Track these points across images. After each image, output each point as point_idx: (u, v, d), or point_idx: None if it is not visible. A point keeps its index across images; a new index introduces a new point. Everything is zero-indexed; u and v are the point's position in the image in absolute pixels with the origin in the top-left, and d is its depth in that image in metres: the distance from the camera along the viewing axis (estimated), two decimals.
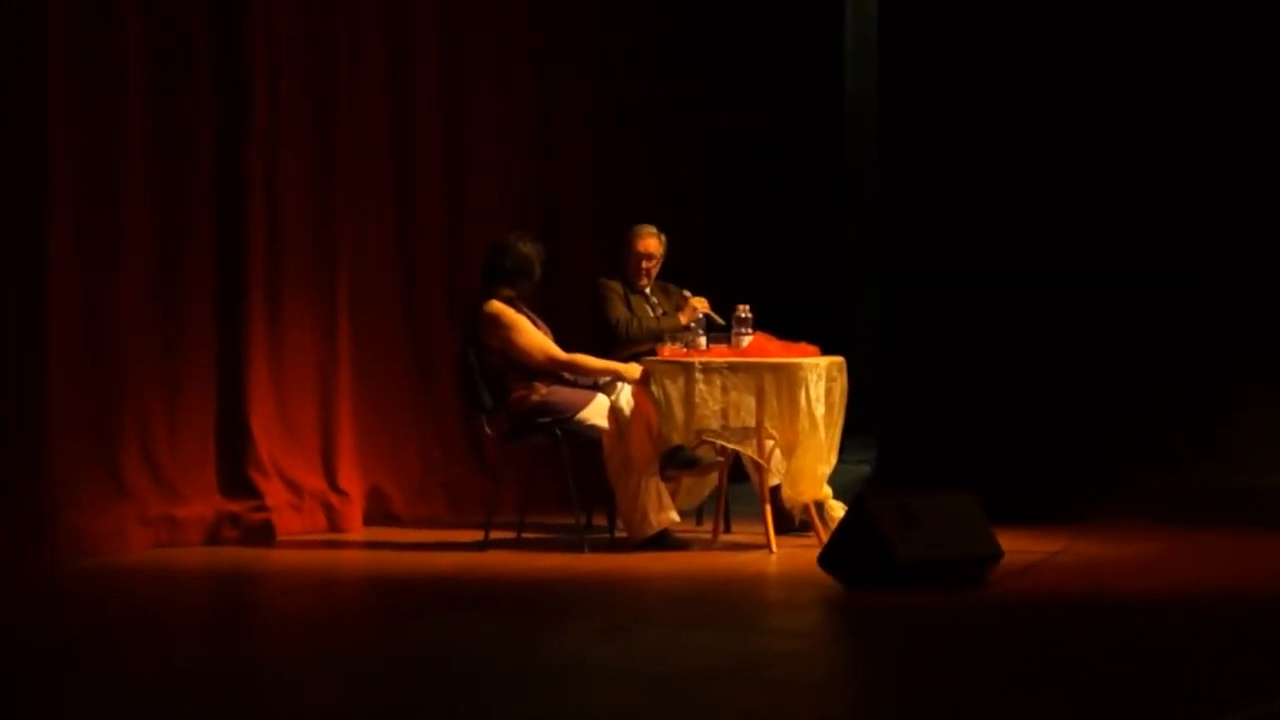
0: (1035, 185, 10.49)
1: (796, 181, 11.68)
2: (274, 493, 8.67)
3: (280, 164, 8.83)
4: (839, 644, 6.59)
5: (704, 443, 8.16)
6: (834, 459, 8.18)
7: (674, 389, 8.03)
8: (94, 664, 5.85)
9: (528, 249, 8.36)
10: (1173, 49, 10.35)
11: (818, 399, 8.04)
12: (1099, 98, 10.41)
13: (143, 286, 8.27)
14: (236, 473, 8.62)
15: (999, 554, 7.21)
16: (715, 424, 8.04)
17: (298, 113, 8.91)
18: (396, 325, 9.47)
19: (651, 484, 8.14)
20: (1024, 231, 10.46)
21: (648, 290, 8.86)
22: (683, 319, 8.66)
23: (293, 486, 8.78)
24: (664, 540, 8.17)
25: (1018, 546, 7.66)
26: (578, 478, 8.20)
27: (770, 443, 8.14)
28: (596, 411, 8.20)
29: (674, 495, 8.28)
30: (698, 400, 8.01)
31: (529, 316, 8.34)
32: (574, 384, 8.31)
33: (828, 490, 8.19)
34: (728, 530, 8.62)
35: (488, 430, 8.37)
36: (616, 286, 8.77)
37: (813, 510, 8.19)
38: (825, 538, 7.65)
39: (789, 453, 8.11)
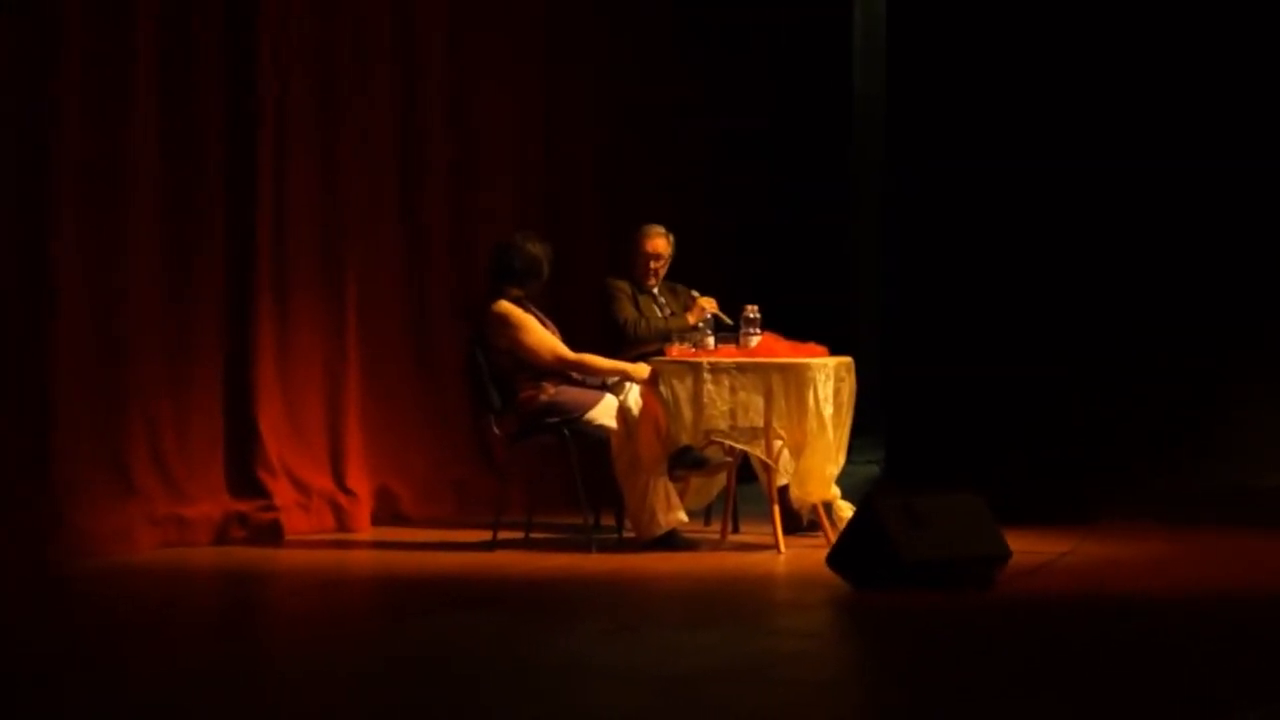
0: (1040, 185, 10.49)
1: (801, 181, 11.67)
2: (282, 492, 8.67)
3: (288, 165, 8.84)
4: (847, 644, 6.59)
5: (712, 443, 8.16)
6: (842, 459, 8.18)
7: (682, 389, 8.03)
8: (101, 663, 5.85)
9: (535, 249, 8.36)
10: (1176, 48, 10.35)
11: (826, 399, 8.04)
12: (1106, 99, 10.42)
13: (151, 286, 8.27)
14: (244, 473, 8.62)
15: (1007, 554, 7.21)
16: (723, 424, 8.04)
17: (305, 114, 8.91)
18: (404, 325, 9.47)
19: (660, 484, 8.14)
20: (1029, 231, 10.48)
21: (656, 290, 8.85)
22: (691, 319, 8.66)
23: (301, 486, 8.78)
24: (672, 540, 8.17)
25: (1025, 547, 7.65)
26: (586, 478, 8.20)
27: (778, 443, 8.14)
28: (605, 411, 8.20)
29: (682, 495, 8.28)
30: (706, 400, 8.01)
31: (537, 316, 8.34)
32: (582, 384, 8.31)
33: (836, 490, 8.19)
34: (736, 530, 8.61)
35: (496, 430, 8.36)
36: (624, 286, 8.77)
37: (821, 510, 8.18)
38: (833, 538, 7.65)
39: (797, 453, 8.11)
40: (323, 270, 9.01)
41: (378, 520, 9.10)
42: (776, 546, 8.09)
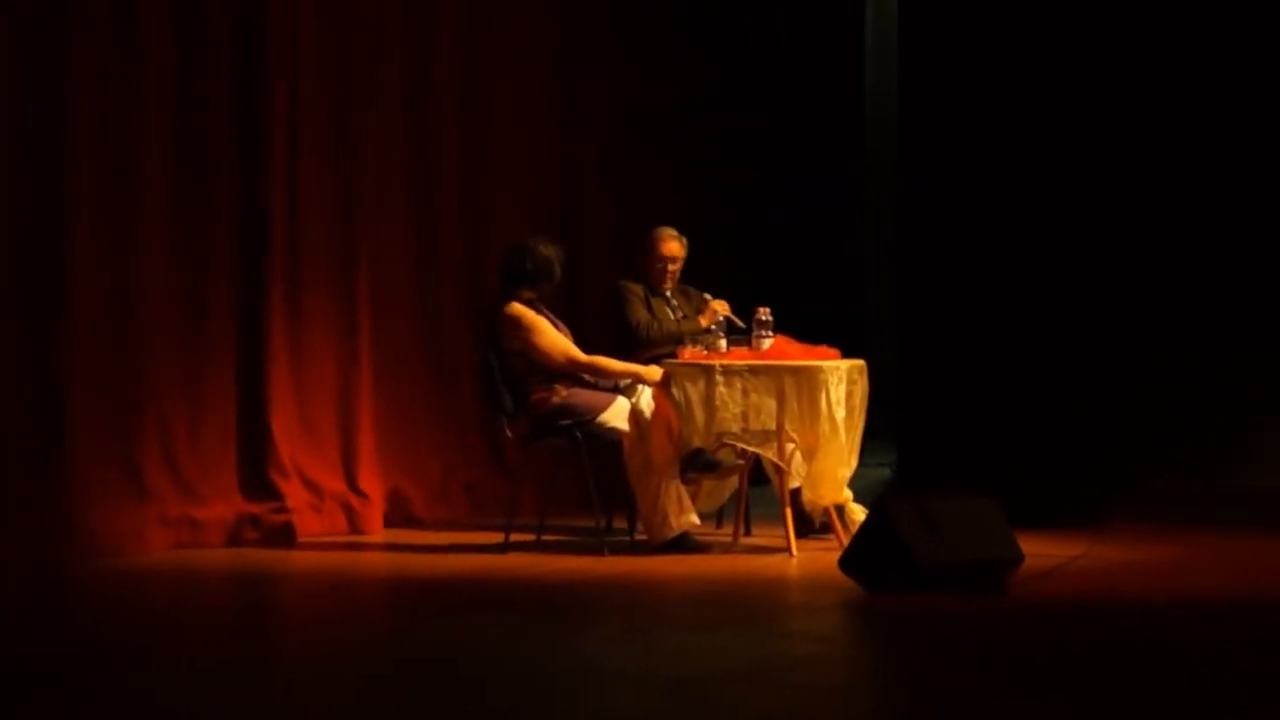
0: (1051, 186, 10.48)
1: (813, 182, 11.67)
2: (294, 494, 8.68)
3: (300, 164, 8.84)
4: (859, 648, 6.58)
5: (724, 445, 8.15)
6: (854, 462, 8.17)
7: (694, 392, 8.02)
8: (111, 664, 5.85)
9: (548, 251, 8.36)
10: (1186, 46, 10.34)
11: (838, 402, 8.03)
12: (1118, 98, 10.40)
13: (163, 288, 8.28)
14: (257, 474, 8.62)
15: (1020, 558, 7.20)
16: (736, 427, 8.04)
17: (317, 113, 8.91)
18: (417, 327, 9.47)
19: (672, 487, 8.14)
20: (1041, 231, 10.46)
21: (668, 293, 8.85)
22: (703, 322, 8.65)
23: (313, 488, 8.79)
24: (684, 543, 8.16)
25: (1038, 550, 7.64)
26: (598, 480, 8.19)
27: (791, 446, 8.13)
28: (617, 414, 8.19)
29: (694, 498, 8.28)
30: (718, 403, 8.00)
31: (549, 318, 8.33)
32: (594, 386, 8.30)
33: (848, 493, 8.18)
34: (748, 533, 8.61)
35: (508, 432, 8.36)
36: (637, 289, 8.77)
37: (833, 513, 8.18)
38: (845, 541, 7.65)
39: (809, 456, 8.10)
40: (335, 272, 9.01)
41: (390, 522, 9.10)
42: (788, 549, 8.08)
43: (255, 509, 8.54)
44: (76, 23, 7.89)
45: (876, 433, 8.88)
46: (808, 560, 7.97)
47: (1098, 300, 10.37)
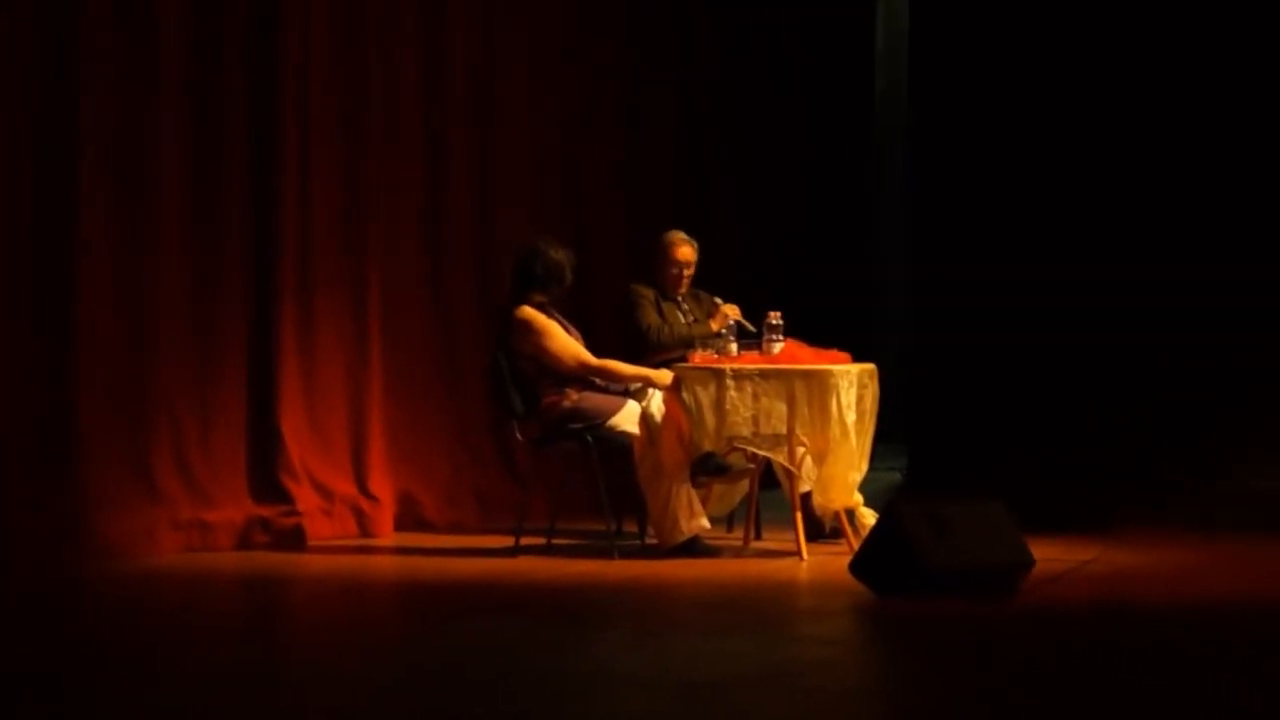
0: (1063, 188, 10.48)
1: (823, 185, 11.68)
2: (305, 497, 8.68)
3: (312, 167, 8.85)
4: (869, 652, 6.57)
5: (735, 449, 8.15)
6: (865, 466, 8.17)
7: (705, 395, 8.02)
8: (120, 666, 5.85)
9: (558, 254, 8.36)
10: (1203, 34, 10.34)
11: (849, 406, 8.03)
12: (1128, 97, 10.40)
13: (175, 291, 8.29)
14: (267, 477, 8.63)
15: (1030, 562, 7.19)
16: (746, 431, 8.03)
17: (329, 116, 8.93)
18: (427, 330, 9.48)
19: (682, 490, 8.13)
20: (1054, 234, 10.45)
21: (680, 297, 8.85)
22: (714, 326, 8.65)
23: (323, 491, 8.79)
24: (694, 547, 8.16)
25: (1049, 554, 7.63)
26: (608, 484, 8.19)
27: (801, 450, 8.13)
28: (628, 418, 8.19)
29: (705, 502, 8.27)
30: (729, 407, 8.00)
31: (560, 322, 8.33)
32: (605, 390, 8.30)
33: (859, 497, 8.17)
34: (758, 537, 8.60)
35: (519, 436, 8.36)
36: (647, 292, 8.76)
37: (844, 517, 8.17)
38: (856, 545, 7.63)
39: (820, 460, 8.10)
40: (346, 275, 9.02)
41: (400, 526, 9.11)
42: (799, 553, 8.07)
43: (266, 512, 8.55)
44: (90, 26, 7.89)
45: (887, 437, 8.88)
46: (818, 564, 7.96)
47: (1111, 302, 10.36)
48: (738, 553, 8.36)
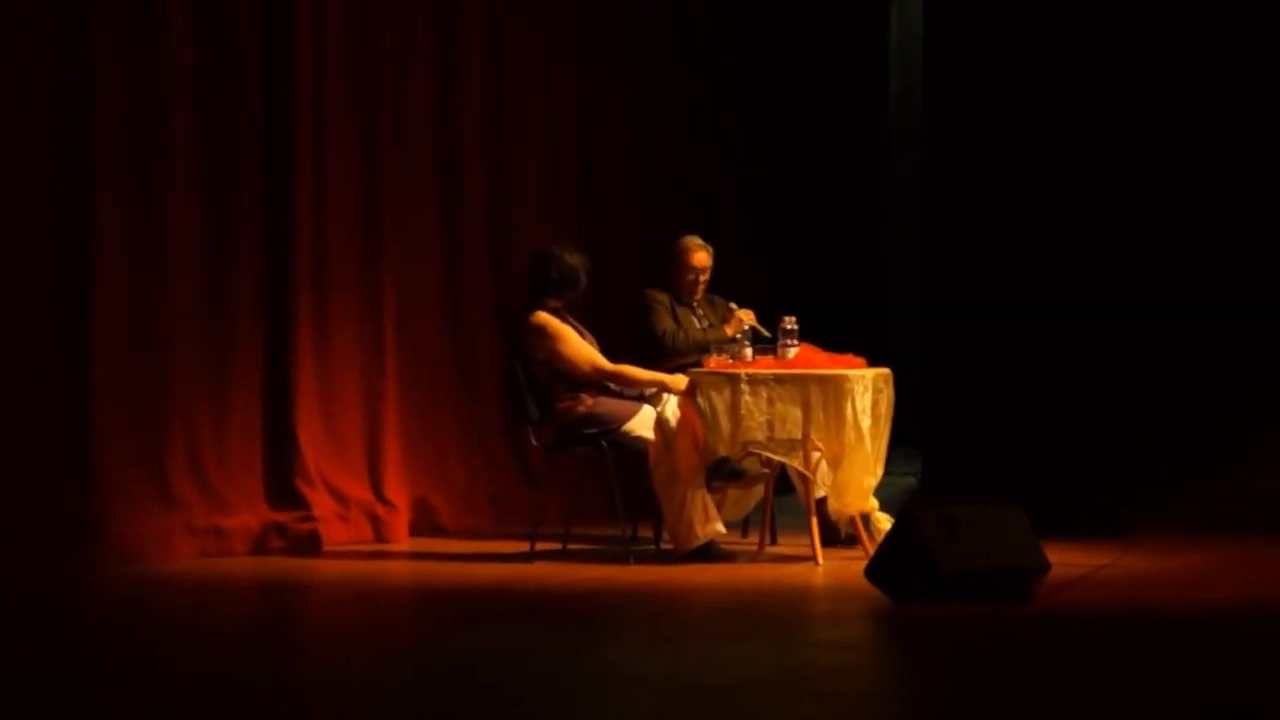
0: (1079, 189, 10.45)
1: (838, 188, 11.67)
2: (320, 503, 8.69)
3: (326, 172, 8.86)
4: (885, 657, 6.56)
5: (750, 454, 8.14)
6: (880, 471, 8.15)
7: (720, 401, 8.02)
8: (134, 672, 5.86)
9: (573, 259, 8.36)
10: (1221, 45, 10.31)
11: (864, 411, 8.02)
12: (1145, 99, 10.37)
13: (190, 297, 8.30)
14: (283, 483, 8.64)
15: (1046, 567, 7.18)
16: (761, 436, 8.03)
17: (344, 120, 8.94)
18: (442, 336, 9.48)
19: (697, 496, 8.13)
20: (1070, 237, 10.42)
21: (695, 302, 8.85)
22: (728, 331, 8.65)
23: (339, 497, 8.80)
24: (709, 552, 8.15)
25: (1065, 559, 7.62)
26: (623, 489, 8.19)
27: (816, 454, 8.12)
28: (642, 423, 8.19)
29: (720, 507, 8.26)
30: (744, 412, 7.99)
31: (575, 327, 8.33)
32: (620, 395, 8.30)
33: (874, 502, 8.16)
34: (773, 542, 8.59)
35: (533, 441, 8.36)
36: (662, 298, 8.76)
37: (859, 522, 8.16)
38: (871, 550, 7.63)
39: (835, 465, 8.09)
40: (361, 280, 9.03)
41: (415, 531, 9.11)
42: (814, 558, 8.07)
43: (281, 517, 8.55)
44: (103, 30, 7.90)
45: (901, 441, 8.87)
46: (833, 569, 7.95)
47: (1127, 304, 10.32)
48: (753, 558, 8.35)
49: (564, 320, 8.31)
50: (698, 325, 8.76)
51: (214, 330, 8.43)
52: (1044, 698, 5.47)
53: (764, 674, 5.80)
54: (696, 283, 8.80)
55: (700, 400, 8.04)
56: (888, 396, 8.20)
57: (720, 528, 8.21)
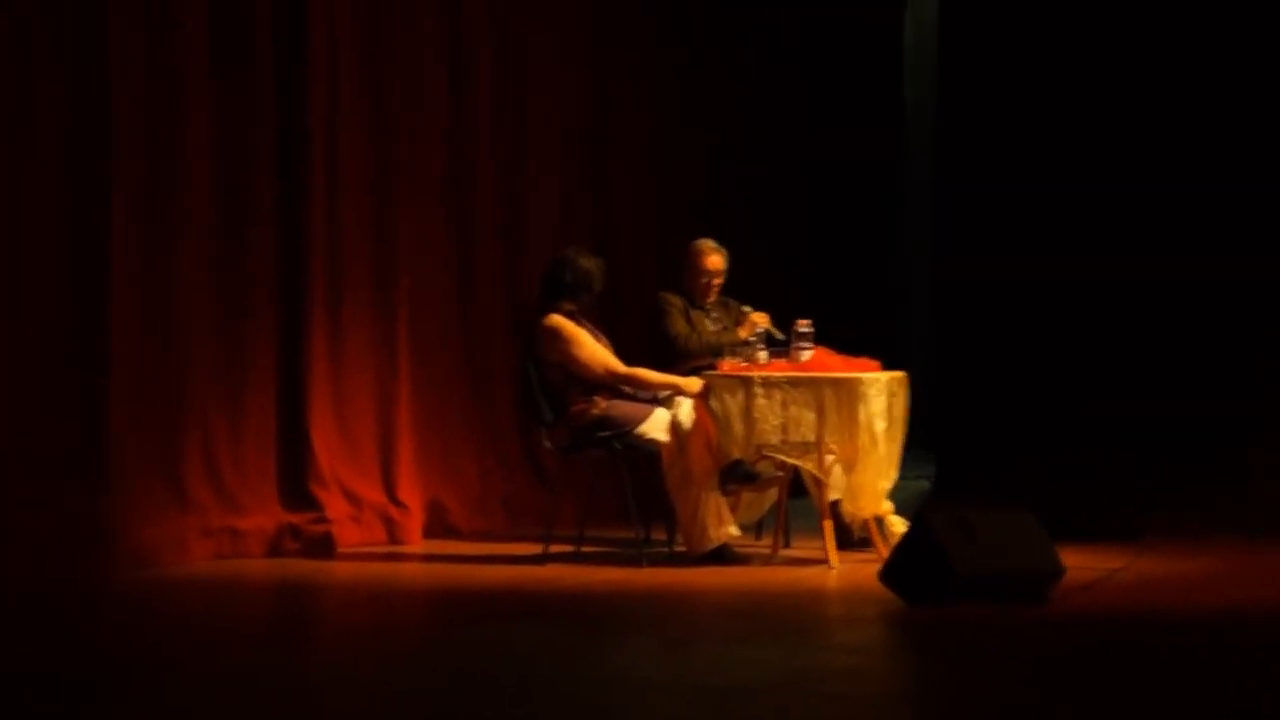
0: (1095, 198, 10.43)
1: (851, 193, 11.67)
2: (334, 505, 8.70)
3: (340, 175, 8.87)
4: (899, 660, 6.56)
5: (764, 457, 8.14)
6: (894, 474, 8.15)
7: (734, 403, 8.01)
8: (148, 674, 5.86)
9: (587, 263, 8.37)
10: (1239, 63, 10.29)
11: (878, 414, 8.01)
12: (1163, 112, 10.35)
13: (205, 301, 8.31)
14: (297, 485, 8.65)
15: (1061, 570, 7.17)
16: (775, 439, 8.02)
17: (356, 122, 8.94)
18: (456, 339, 9.49)
19: (711, 498, 8.13)
20: (1083, 244, 10.40)
21: (708, 305, 8.85)
22: (742, 334, 8.65)
23: (352, 499, 8.81)
24: (723, 555, 8.15)
25: (1079, 563, 7.61)
26: (637, 492, 8.19)
27: (830, 458, 8.12)
28: (656, 425, 8.19)
29: (733, 510, 8.27)
30: (757, 415, 7.99)
31: (589, 330, 8.34)
32: (634, 398, 8.30)
33: (888, 505, 8.16)
34: (787, 545, 8.59)
35: (547, 444, 8.37)
36: (676, 300, 8.76)
37: (873, 525, 8.16)
38: (885, 553, 7.62)
39: (849, 468, 8.08)
40: (374, 283, 9.03)
41: (429, 533, 9.12)
42: (828, 561, 8.06)
43: (295, 519, 8.56)
44: (118, 29, 7.91)
45: (914, 444, 8.86)
46: (847, 572, 7.95)
47: (1143, 307, 10.30)
48: (766, 561, 8.35)
49: (578, 323, 8.31)
50: (711, 328, 8.77)
51: (228, 333, 8.44)
52: (1058, 701, 5.46)
53: (777, 676, 5.80)
54: (710, 285, 8.80)
55: (714, 403, 8.03)
56: (902, 400, 8.19)
57: (734, 530, 8.21)
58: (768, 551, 8.50)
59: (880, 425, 8.01)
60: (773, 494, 8.47)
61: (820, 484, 8.13)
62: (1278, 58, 10.26)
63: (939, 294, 11.25)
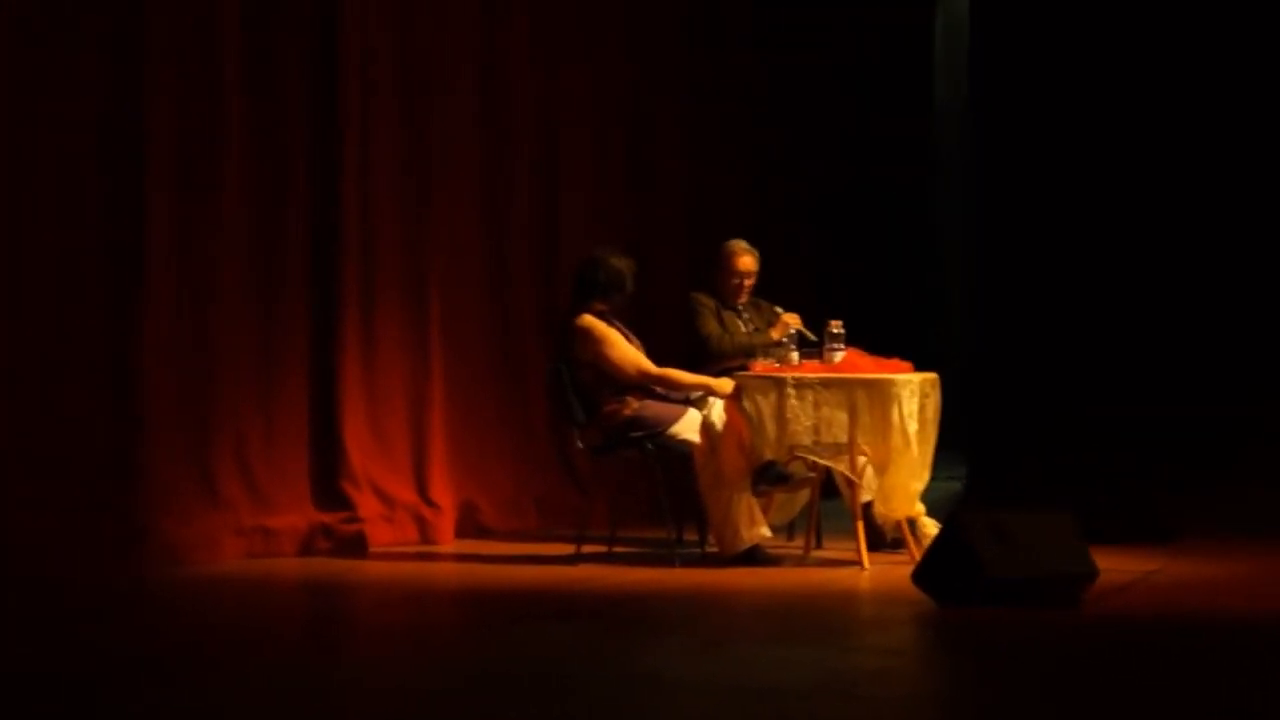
0: (1127, 199, 10.42)
1: (885, 195, 11.65)
2: (366, 504, 8.71)
3: (373, 177, 8.89)
4: (931, 662, 6.54)
5: (796, 458, 8.13)
6: (927, 476, 8.13)
7: (766, 404, 8.01)
8: (180, 672, 5.88)
9: (619, 263, 8.36)
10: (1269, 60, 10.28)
11: (911, 415, 8.00)
12: (1194, 107, 10.33)
13: (238, 299, 8.33)
14: (329, 484, 8.66)
15: (1094, 572, 7.15)
16: (807, 440, 8.01)
17: (391, 122, 8.96)
18: (488, 339, 9.50)
19: (743, 499, 8.12)
20: (1116, 247, 10.39)
21: (740, 306, 8.84)
22: (774, 334, 8.64)
23: (385, 498, 8.82)
24: (755, 556, 8.14)
25: (1113, 565, 7.59)
26: (669, 492, 8.19)
27: (862, 459, 8.10)
28: (688, 426, 8.18)
29: (766, 511, 8.26)
30: (790, 416, 7.98)
31: (621, 330, 8.33)
32: (666, 398, 8.29)
33: (920, 507, 8.15)
34: (819, 546, 8.58)
35: (579, 444, 8.37)
36: (708, 301, 8.76)
37: (905, 527, 8.14)
38: (918, 555, 7.61)
39: (881, 469, 8.07)
40: (407, 283, 9.05)
41: (461, 533, 9.13)
42: (860, 563, 8.05)
43: (327, 519, 8.58)
44: (153, 29, 7.93)
45: (945, 445, 8.84)
46: (879, 574, 7.94)
47: (1167, 317, 10.28)
48: (799, 562, 8.34)
49: (609, 323, 8.31)
50: (743, 329, 8.76)
51: (262, 332, 8.46)
52: (1090, 703, 5.45)
53: (808, 678, 5.79)
54: (742, 286, 8.79)
55: (746, 404, 8.03)
56: (935, 401, 8.17)
57: (766, 531, 8.20)
58: (800, 553, 8.49)
59: (913, 427, 7.99)
60: (805, 495, 8.46)
61: (852, 485, 8.12)
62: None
63: (974, 296, 11.23)
